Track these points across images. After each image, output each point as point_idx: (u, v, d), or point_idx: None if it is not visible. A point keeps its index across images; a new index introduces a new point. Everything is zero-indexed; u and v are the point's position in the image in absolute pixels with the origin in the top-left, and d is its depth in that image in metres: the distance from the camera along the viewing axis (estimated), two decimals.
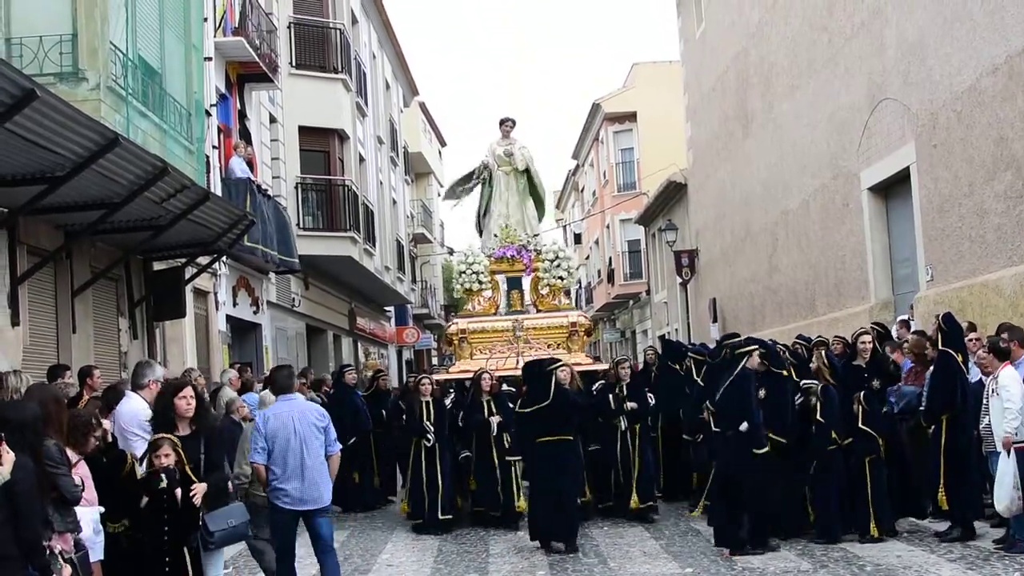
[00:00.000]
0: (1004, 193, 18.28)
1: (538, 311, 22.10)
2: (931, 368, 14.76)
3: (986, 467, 13.97)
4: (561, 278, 22.01)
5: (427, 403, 18.51)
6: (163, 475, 10.22)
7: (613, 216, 60.03)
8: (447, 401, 19.44)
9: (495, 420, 18.16)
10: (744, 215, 34.62)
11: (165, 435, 10.47)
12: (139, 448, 11.22)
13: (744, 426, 14.51)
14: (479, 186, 23.74)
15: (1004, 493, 12.97)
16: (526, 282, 22.41)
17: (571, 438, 16.23)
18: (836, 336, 18.02)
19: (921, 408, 14.98)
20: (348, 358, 40.19)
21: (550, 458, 15.95)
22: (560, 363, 16.77)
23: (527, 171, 23.11)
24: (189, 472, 10.42)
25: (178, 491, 10.26)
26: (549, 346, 21.13)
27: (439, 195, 69.96)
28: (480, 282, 22.05)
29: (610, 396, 18.31)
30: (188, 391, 11.01)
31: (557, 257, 21.98)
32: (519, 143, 23.31)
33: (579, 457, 16.86)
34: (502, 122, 23.50)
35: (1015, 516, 13.10)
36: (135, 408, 11.86)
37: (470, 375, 19.70)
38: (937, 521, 15.37)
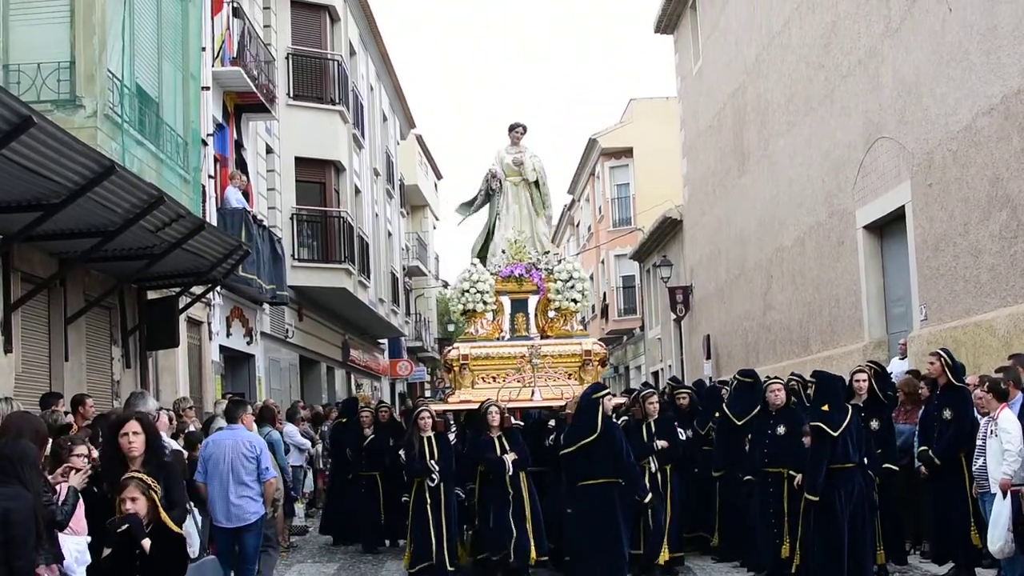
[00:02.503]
0: (999, 233, 18.30)
1: (543, 337, 20.01)
2: (936, 403, 14.74)
3: (977, 508, 13.94)
4: (575, 301, 19.98)
5: (428, 439, 16.49)
6: (127, 524, 8.42)
7: (608, 251, 60.10)
8: (451, 436, 17.51)
9: (509, 458, 16.03)
10: (739, 252, 34.63)
11: (136, 473, 8.90)
12: None
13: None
14: (487, 201, 21.28)
15: (999, 534, 12.87)
16: (532, 304, 20.38)
17: (620, 481, 14.46)
18: None
19: (922, 447, 14.97)
20: (341, 390, 40.18)
21: (596, 504, 14.18)
22: (607, 390, 15.30)
23: (538, 183, 20.95)
24: (168, 522, 8.72)
25: (146, 542, 8.48)
26: (560, 375, 19.17)
27: (434, 228, 70.04)
28: (485, 303, 19.69)
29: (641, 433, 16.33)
30: (132, 426, 9.67)
31: (571, 278, 19.96)
32: (530, 151, 21.05)
33: (628, 504, 14.82)
34: (512, 128, 21.20)
35: (1007, 558, 13.05)
36: None
37: (472, 406, 17.85)
38: (927, 561, 15.33)
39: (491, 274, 20.01)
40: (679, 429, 17.04)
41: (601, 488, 14.26)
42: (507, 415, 16.73)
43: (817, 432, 14.14)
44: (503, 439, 16.34)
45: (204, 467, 13.85)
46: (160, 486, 9.07)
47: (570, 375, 19.21)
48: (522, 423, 17.49)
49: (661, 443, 16.30)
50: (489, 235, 21.20)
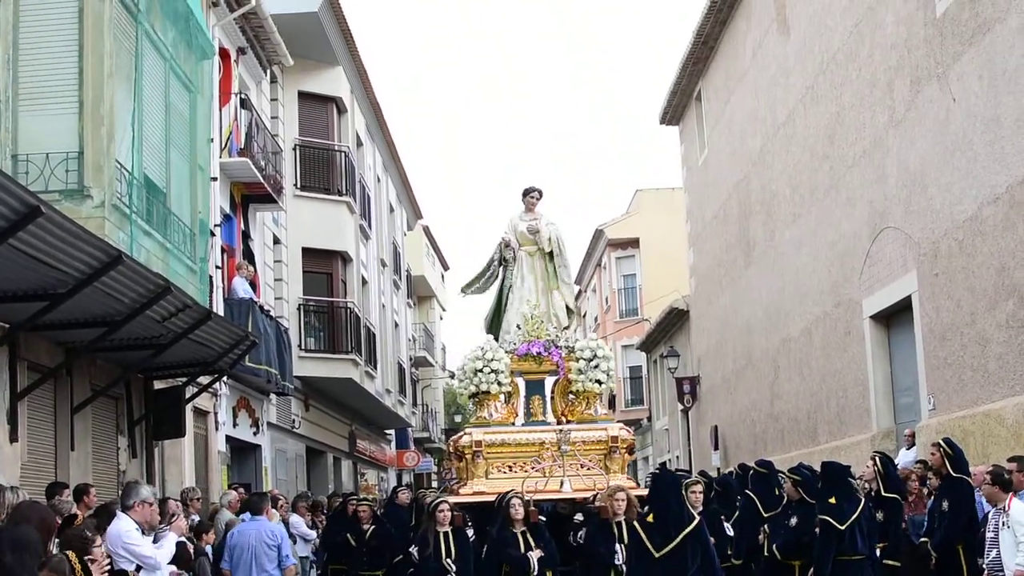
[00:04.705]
0: (1006, 322, 18.28)
1: (560, 421, 18.14)
2: (937, 495, 14.64)
3: None
4: (599, 382, 18.10)
5: (445, 534, 14.92)
6: None
7: (615, 342, 59.97)
8: (469, 532, 15.75)
9: (535, 555, 14.57)
10: (746, 342, 34.62)
11: None
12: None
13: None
14: (500, 270, 19.65)
15: None
16: (548, 386, 18.48)
17: None
18: None
19: (922, 539, 14.85)
20: (348, 481, 40.00)
21: None
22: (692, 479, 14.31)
23: (554, 253, 19.29)
24: None
25: None
26: (583, 465, 17.27)
27: (441, 318, 70.06)
28: (500, 383, 17.81)
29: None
30: None
31: (595, 356, 18.10)
32: (546, 218, 19.49)
33: None
34: (526, 192, 19.62)
35: None
36: (119, 529, 11.76)
37: (487, 499, 16.22)
38: None
39: (505, 352, 18.25)
40: (726, 524, 15.83)
41: None
42: (532, 508, 15.23)
43: (823, 525, 14.04)
44: (528, 535, 14.86)
45: (230, 555, 15.54)
46: None
47: (593, 464, 17.57)
48: (543, 519, 15.66)
49: None
50: (499, 309, 19.60)
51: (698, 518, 12.23)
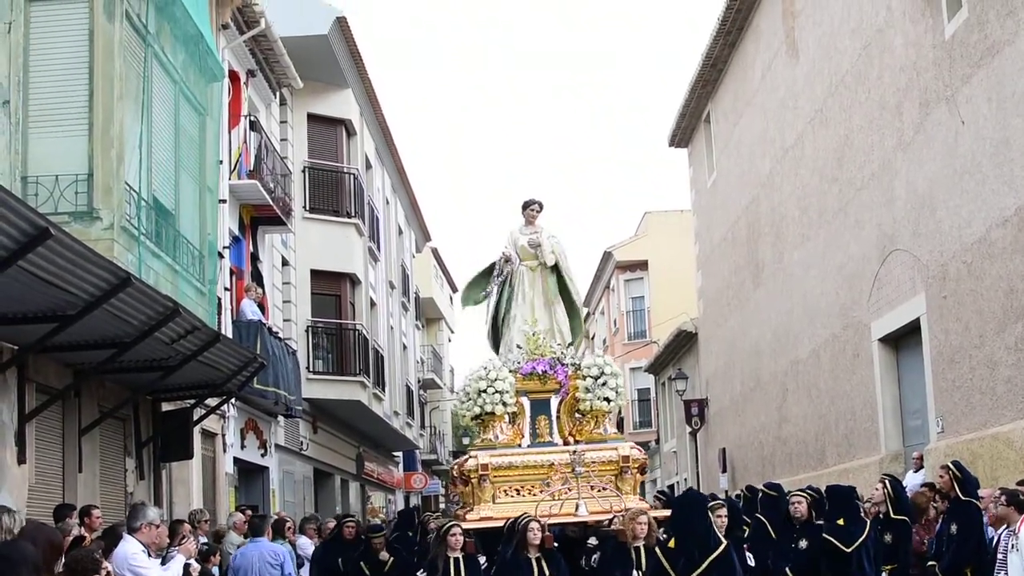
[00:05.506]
0: (1015, 345, 18.25)
1: (567, 442, 17.24)
2: (945, 518, 14.59)
3: None
4: (608, 399, 17.07)
5: (456, 560, 14.28)
6: None
7: (623, 364, 59.86)
8: (481, 559, 14.98)
9: None
10: (754, 364, 34.57)
11: None
12: None
13: None
14: (497, 286, 18.70)
15: None
16: (553, 405, 17.55)
17: None
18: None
19: (930, 563, 14.78)
20: (355, 503, 39.94)
21: None
22: (717, 502, 13.94)
23: (557, 267, 18.45)
24: None
25: None
26: (593, 488, 16.28)
27: (449, 340, 69.99)
28: (505, 403, 16.85)
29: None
30: None
31: (603, 373, 17.04)
32: (547, 232, 18.57)
33: None
34: (526, 205, 18.72)
35: None
36: (125, 552, 11.76)
37: (495, 524, 15.25)
38: None
39: (510, 371, 17.27)
40: (748, 553, 15.00)
41: None
42: (547, 534, 14.28)
43: (829, 547, 14.00)
44: (542, 562, 13.94)
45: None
46: None
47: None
48: (556, 544, 14.78)
49: None
50: (496, 326, 18.77)
51: (726, 542, 11.77)
